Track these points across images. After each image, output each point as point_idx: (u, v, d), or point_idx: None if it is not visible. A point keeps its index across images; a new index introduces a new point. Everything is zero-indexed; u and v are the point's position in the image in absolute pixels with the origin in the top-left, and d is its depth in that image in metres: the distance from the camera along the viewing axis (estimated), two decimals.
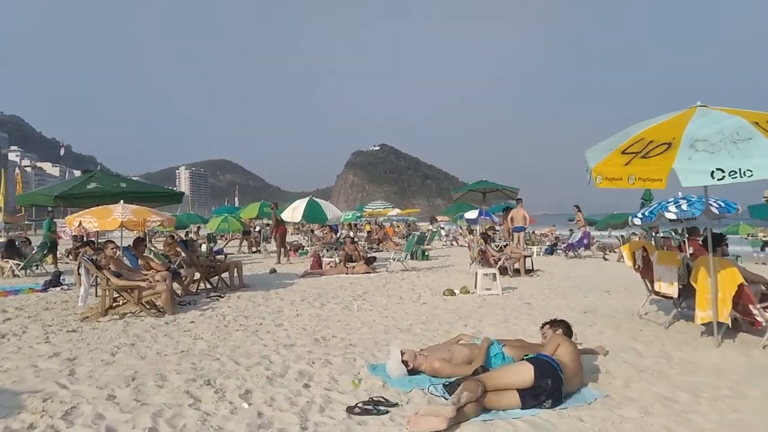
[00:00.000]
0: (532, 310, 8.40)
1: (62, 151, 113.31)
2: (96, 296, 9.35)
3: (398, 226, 38.46)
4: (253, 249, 24.46)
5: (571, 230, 27.13)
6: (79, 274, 9.08)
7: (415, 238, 15.25)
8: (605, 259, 19.01)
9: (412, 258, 15.75)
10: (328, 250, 19.21)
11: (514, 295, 10.05)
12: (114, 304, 8.34)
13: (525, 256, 12.91)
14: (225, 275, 11.29)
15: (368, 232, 26.92)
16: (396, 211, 44.11)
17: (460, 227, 34.47)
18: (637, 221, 9.36)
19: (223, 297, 10.10)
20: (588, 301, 9.29)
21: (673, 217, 8.72)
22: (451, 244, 29.13)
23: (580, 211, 20.57)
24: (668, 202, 8.90)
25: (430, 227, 39.51)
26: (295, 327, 7.37)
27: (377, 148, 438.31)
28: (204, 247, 19.65)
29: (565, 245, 19.47)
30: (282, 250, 17.95)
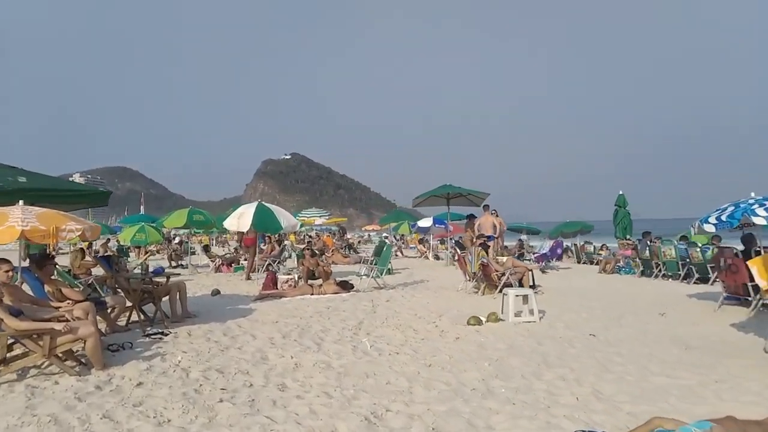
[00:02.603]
0: (611, 348, 6.31)
1: None
2: None
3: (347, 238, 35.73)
4: (173, 264, 21.08)
5: (520, 240, 25.67)
6: None
7: (388, 249, 12.94)
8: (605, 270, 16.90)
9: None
10: (272, 264, 16.45)
11: (553, 321, 7.97)
12: (8, 355, 5.39)
13: (529, 270, 10.90)
14: (163, 300, 8.39)
15: (308, 242, 24.15)
16: (322, 219, 41.47)
17: (399, 236, 32.42)
18: (709, 227, 7.53)
19: (167, 334, 7.28)
20: (660, 328, 7.35)
21: (763, 222, 7.01)
22: (396, 255, 26.92)
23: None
24: (752, 204, 7.19)
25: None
26: (309, 390, 4.82)
27: (288, 156, 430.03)
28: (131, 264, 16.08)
29: (536, 255, 17.90)
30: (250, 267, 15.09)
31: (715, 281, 11.85)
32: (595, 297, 10.54)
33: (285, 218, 13.09)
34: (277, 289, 11.59)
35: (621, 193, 19.47)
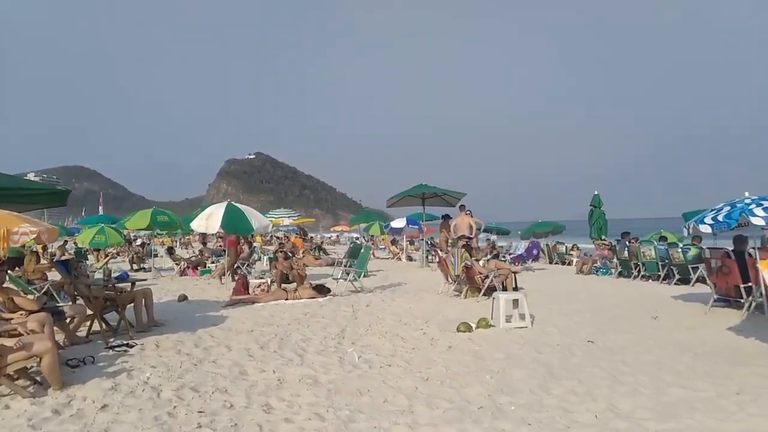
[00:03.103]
0: (615, 355, 5.96)
1: None
2: None
3: (311, 239, 34.95)
4: (135, 267, 20.12)
5: (489, 240, 25.47)
6: None
7: (366, 251, 12.42)
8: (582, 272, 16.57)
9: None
10: (241, 267, 15.77)
11: (544, 326, 7.62)
12: None
13: (513, 272, 10.57)
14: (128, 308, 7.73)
15: (280, 244, 23.38)
16: (289, 220, 40.65)
17: (369, 237, 31.95)
18: (705, 228, 7.29)
19: (133, 346, 6.65)
20: (658, 333, 7.06)
21: (761, 222, 6.80)
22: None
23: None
24: (749, 204, 6.97)
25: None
26: (299, 412, 4.32)
27: (252, 156, 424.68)
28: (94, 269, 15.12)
29: (512, 256, 17.65)
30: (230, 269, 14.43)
31: (696, 282, 11.79)
32: (579, 299, 10.27)
33: (256, 219, 12.46)
34: (248, 294, 10.98)
35: (596, 193, 19.42)
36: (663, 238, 13.96)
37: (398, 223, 23.97)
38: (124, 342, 6.80)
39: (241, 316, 8.84)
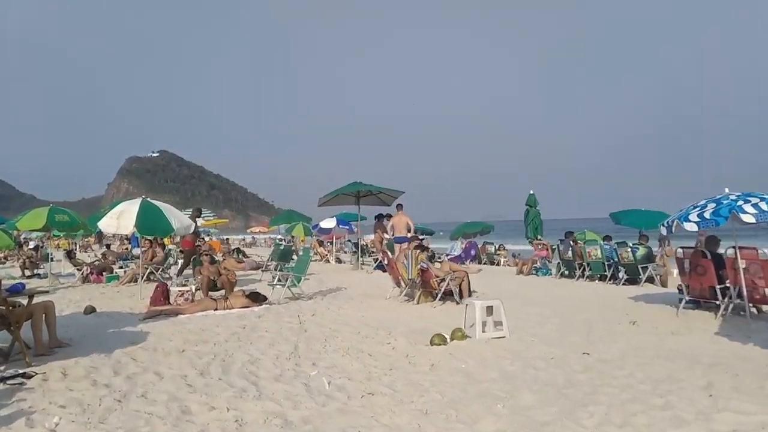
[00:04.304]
0: (620, 370, 5.26)
1: None
2: None
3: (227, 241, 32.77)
4: (28, 273, 17.65)
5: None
6: None
7: (306, 253, 11.24)
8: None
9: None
10: (154, 273, 14.10)
11: (521, 335, 6.86)
12: None
13: (466, 274, 9.78)
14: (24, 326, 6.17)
15: (196, 246, 21.46)
16: (202, 221, 38.29)
17: (290, 237, 30.41)
18: (691, 226, 6.81)
19: (31, 376, 5.19)
20: (646, 341, 6.47)
21: (752, 220, 6.40)
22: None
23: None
24: (736, 200, 6.56)
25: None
26: None
27: (156, 154, 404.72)
28: None
29: (449, 257, 17.04)
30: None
31: (645, 282, 11.64)
32: (537, 302, 9.68)
33: (176, 218, 10.95)
34: (170, 303, 9.52)
35: (531, 192, 19.22)
36: (607, 237, 13.80)
37: (328, 223, 22.81)
38: (20, 372, 5.30)
39: (166, 331, 7.45)
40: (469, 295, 9.76)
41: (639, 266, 11.67)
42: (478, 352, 5.96)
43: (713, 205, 6.81)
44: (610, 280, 12.53)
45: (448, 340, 6.42)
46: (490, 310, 6.87)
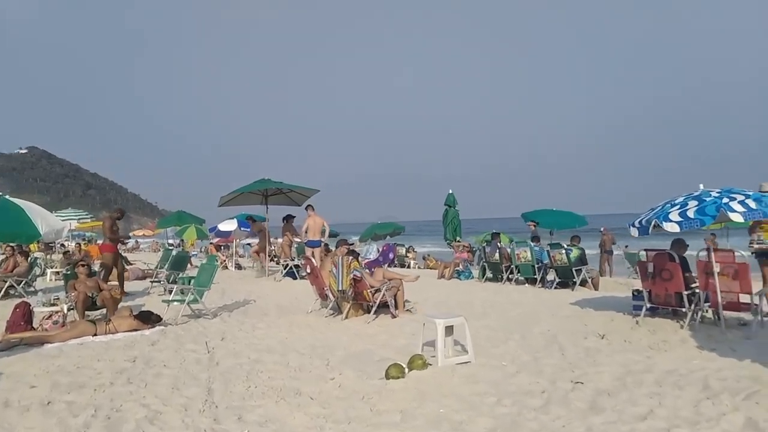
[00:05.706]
0: (635, 407, 4.25)
1: None
2: None
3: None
4: None
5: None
6: None
7: (211, 261, 9.46)
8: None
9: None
10: (15, 285, 11.58)
11: (488, 358, 5.75)
12: None
13: (402, 283, 8.55)
14: None
15: (65, 253, 18.58)
16: (75, 223, 34.31)
17: (180, 241, 27.80)
18: (672, 227, 6.05)
19: None
20: (630, 359, 5.55)
21: (741, 219, 5.76)
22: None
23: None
24: (721, 197, 5.89)
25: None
26: None
27: (24, 151, 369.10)
28: None
29: (366, 262, 15.74)
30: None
31: (579, 286, 11.12)
32: (478, 312, 8.67)
33: (44, 220, 8.82)
34: (33, 329, 7.44)
35: (450, 192, 18.38)
36: (535, 239, 13.22)
37: (228, 225, 20.73)
38: None
39: (26, 371, 5.57)
40: (404, 307, 8.61)
41: (573, 269, 11.11)
42: (448, 388, 4.74)
43: (695, 203, 6.11)
44: (539, 283, 11.92)
45: (406, 370, 5.16)
46: (449, 330, 5.70)
